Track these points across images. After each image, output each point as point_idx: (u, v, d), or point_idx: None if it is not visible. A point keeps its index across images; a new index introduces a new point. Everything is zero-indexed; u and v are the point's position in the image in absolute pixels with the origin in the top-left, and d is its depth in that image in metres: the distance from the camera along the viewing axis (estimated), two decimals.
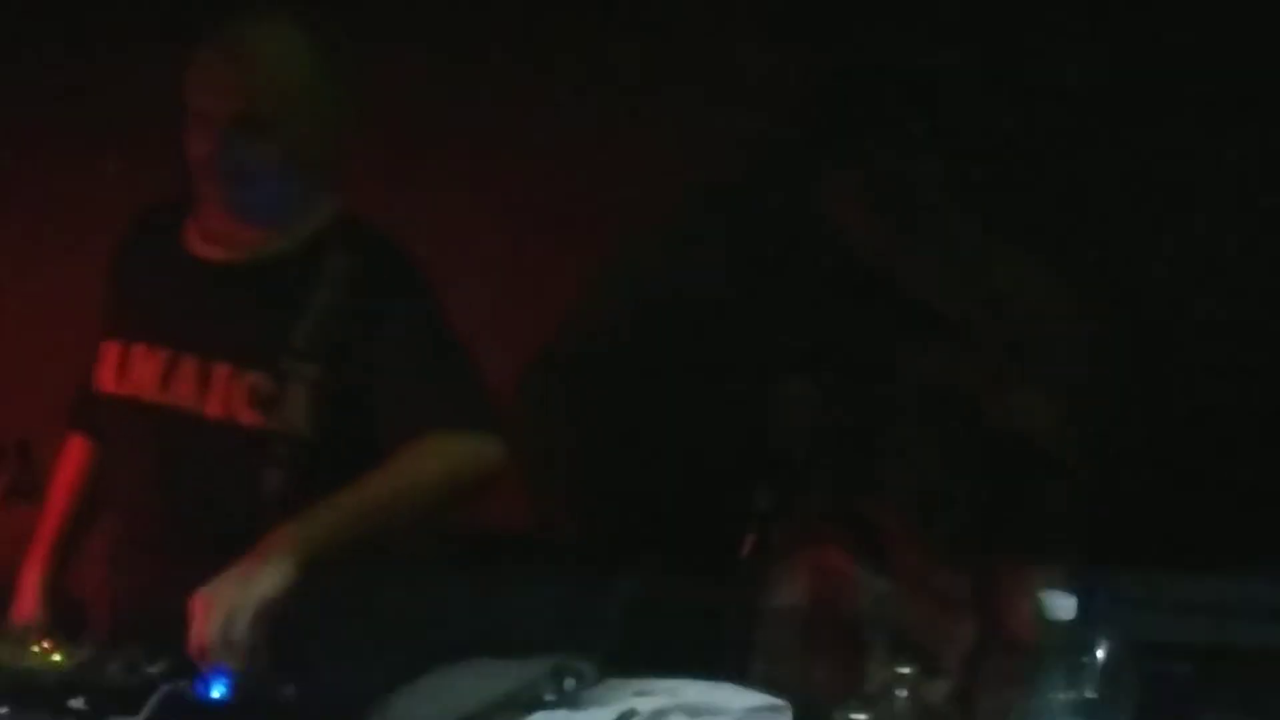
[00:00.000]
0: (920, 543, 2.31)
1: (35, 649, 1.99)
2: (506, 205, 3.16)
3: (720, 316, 3.19)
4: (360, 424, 2.19)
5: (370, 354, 2.20)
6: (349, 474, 2.10)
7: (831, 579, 2.35)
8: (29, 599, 2.37)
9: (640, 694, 1.78)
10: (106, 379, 2.30)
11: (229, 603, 1.92)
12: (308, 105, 2.21)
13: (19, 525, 2.51)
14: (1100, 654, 1.77)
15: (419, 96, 3.13)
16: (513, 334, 2.99)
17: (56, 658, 1.97)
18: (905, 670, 1.86)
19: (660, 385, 3.29)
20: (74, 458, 2.46)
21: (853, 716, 1.83)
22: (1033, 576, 2.21)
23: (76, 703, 1.88)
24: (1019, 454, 2.26)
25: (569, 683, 1.77)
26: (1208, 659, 2.69)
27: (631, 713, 1.73)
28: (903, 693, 1.84)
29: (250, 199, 2.22)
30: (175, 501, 2.24)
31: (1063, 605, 1.74)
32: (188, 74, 2.20)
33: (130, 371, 2.27)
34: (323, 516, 2.03)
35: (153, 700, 1.83)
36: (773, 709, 1.82)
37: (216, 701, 1.87)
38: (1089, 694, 1.76)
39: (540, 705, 1.75)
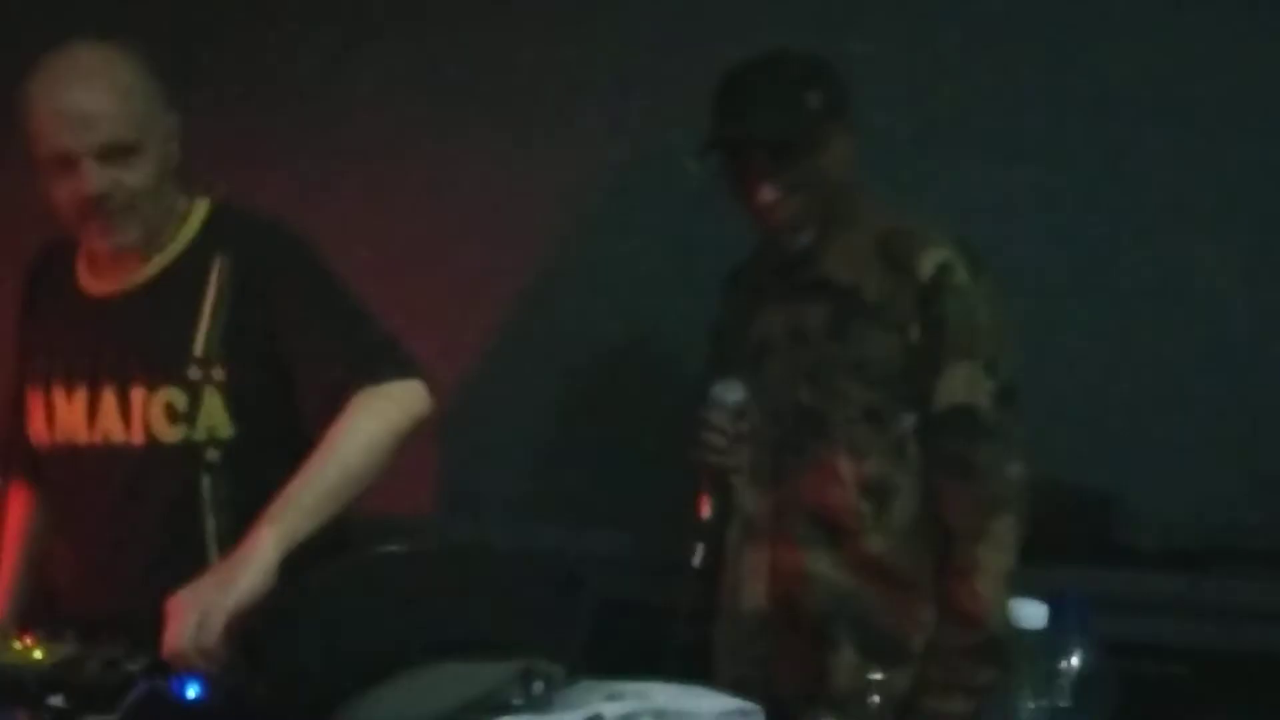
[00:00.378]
0: (875, 530, 2.30)
1: (16, 646, 2.01)
2: None
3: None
4: (282, 409, 2.21)
5: (272, 338, 2.21)
6: (283, 460, 2.11)
7: (788, 578, 2.34)
8: None
9: (610, 698, 1.77)
10: (38, 429, 2.34)
11: (203, 607, 1.92)
12: (159, 116, 2.22)
13: None
14: (1074, 661, 1.75)
15: None
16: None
17: (37, 655, 1.98)
18: (877, 676, 1.85)
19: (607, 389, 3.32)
20: (18, 505, 2.48)
21: None
22: (979, 551, 2.23)
23: (55, 700, 1.90)
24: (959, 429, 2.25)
25: (537, 686, 1.76)
26: (1204, 662, 2.67)
27: (598, 718, 1.72)
28: (875, 699, 1.83)
29: (134, 226, 2.22)
30: (123, 534, 2.27)
31: (1033, 613, 1.72)
32: (34, 121, 2.16)
33: (57, 417, 2.30)
34: (290, 515, 2.02)
35: (128, 698, 1.85)
36: (743, 713, 1.81)
37: (192, 701, 1.88)
38: (1062, 703, 1.74)
39: (508, 709, 1.74)
